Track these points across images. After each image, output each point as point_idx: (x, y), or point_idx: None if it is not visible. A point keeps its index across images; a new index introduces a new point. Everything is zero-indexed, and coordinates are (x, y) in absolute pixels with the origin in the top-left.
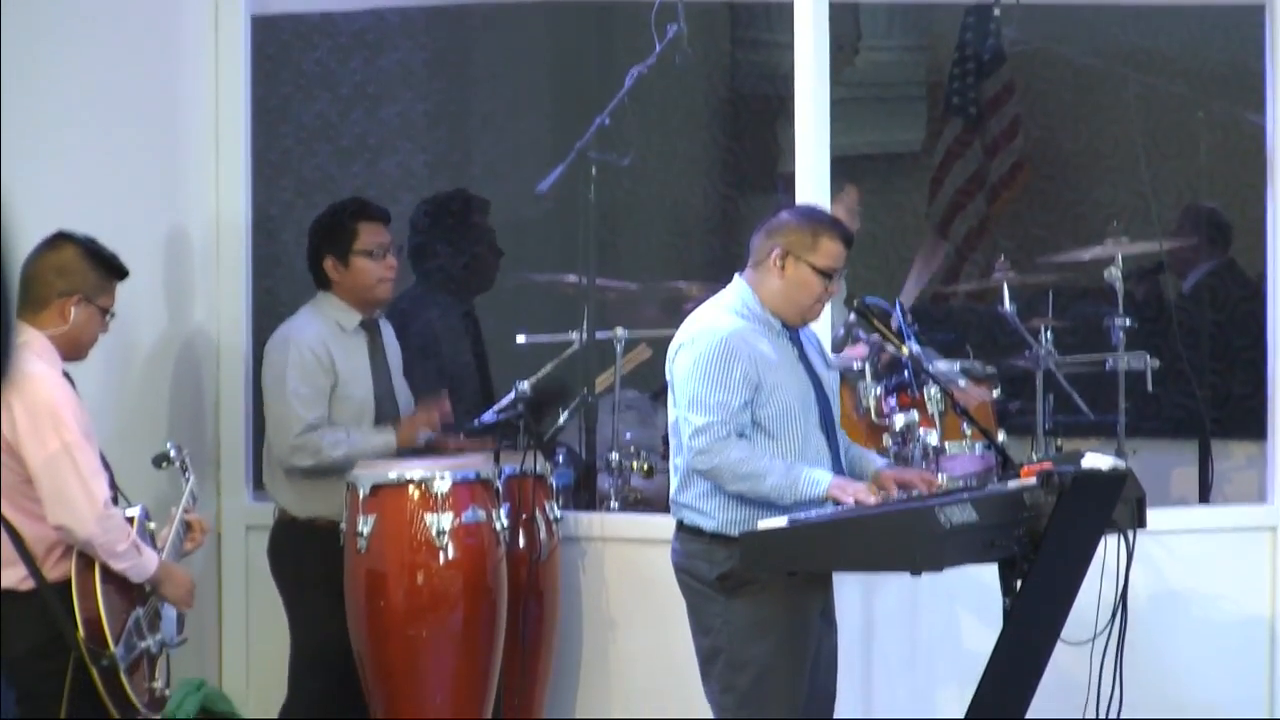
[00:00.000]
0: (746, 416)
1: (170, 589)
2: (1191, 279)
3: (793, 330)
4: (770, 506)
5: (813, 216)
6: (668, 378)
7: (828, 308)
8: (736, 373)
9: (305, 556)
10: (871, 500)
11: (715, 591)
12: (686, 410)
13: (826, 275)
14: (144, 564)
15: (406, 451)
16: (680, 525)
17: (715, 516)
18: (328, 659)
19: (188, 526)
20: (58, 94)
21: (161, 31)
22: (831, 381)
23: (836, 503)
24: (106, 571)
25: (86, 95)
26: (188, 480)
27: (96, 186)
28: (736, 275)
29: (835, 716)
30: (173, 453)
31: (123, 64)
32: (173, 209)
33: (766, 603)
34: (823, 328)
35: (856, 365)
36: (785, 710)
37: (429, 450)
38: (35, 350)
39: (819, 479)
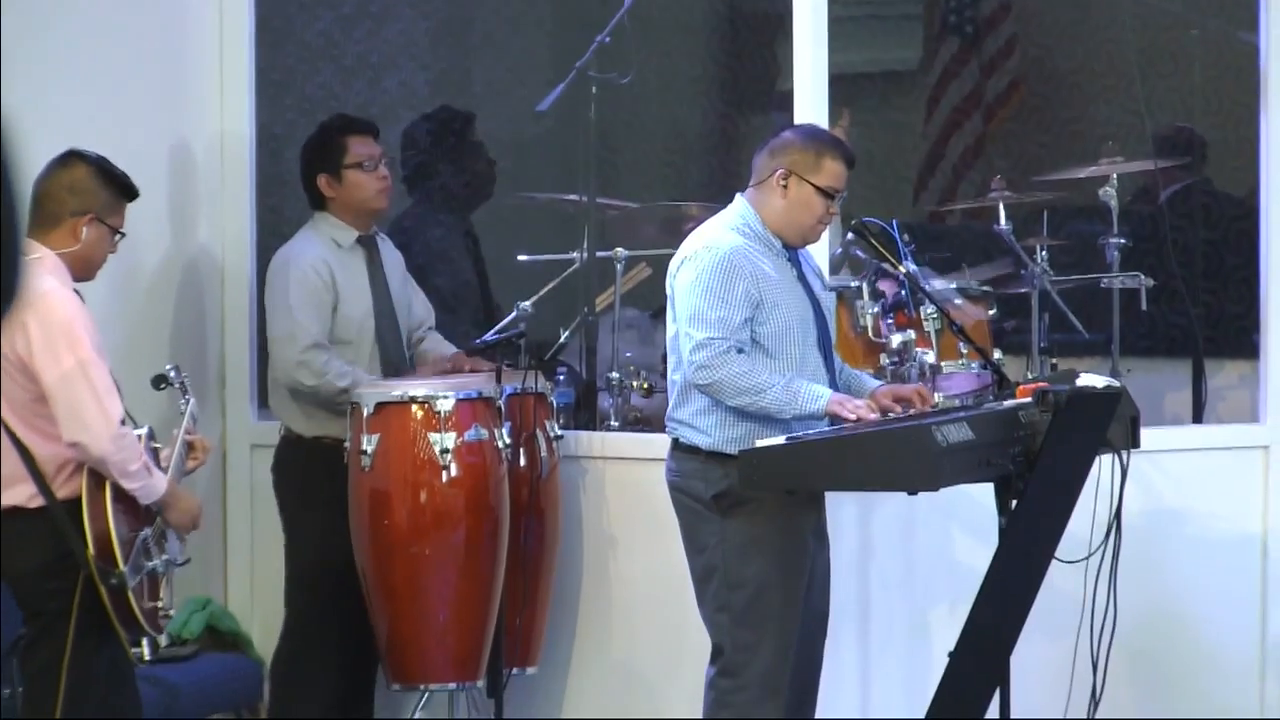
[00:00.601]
0: (746, 333)
1: (175, 514)
2: (1162, 197)
3: (792, 251)
4: (768, 423)
5: (816, 136)
6: (668, 293)
7: (827, 230)
8: (738, 289)
9: (309, 475)
10: (872, 417)
11: (710, 510)
12: (687, 325)
13: (829, 196)
14: (154, 485)
15: (405, 369)
16: (676, 444)
17: (711, 434)
18: (326, 577)
19: (189, 447)
20: (61, 12)
21: None
22: (828, 302)
23: (835, 419)
24: (116, 491)
25: (90, 13)
26: (187, 401)
27: (100, 104)
28: (738, 194)
29: (831, 634)
30: (171, 374)
31: None
32: (177, 127)
33: (762, 522)
34: (821, 250)
35: (854, 283)
36: (780, 629)
37: (434, 370)
38: (48, 268)
39: (819, 393)
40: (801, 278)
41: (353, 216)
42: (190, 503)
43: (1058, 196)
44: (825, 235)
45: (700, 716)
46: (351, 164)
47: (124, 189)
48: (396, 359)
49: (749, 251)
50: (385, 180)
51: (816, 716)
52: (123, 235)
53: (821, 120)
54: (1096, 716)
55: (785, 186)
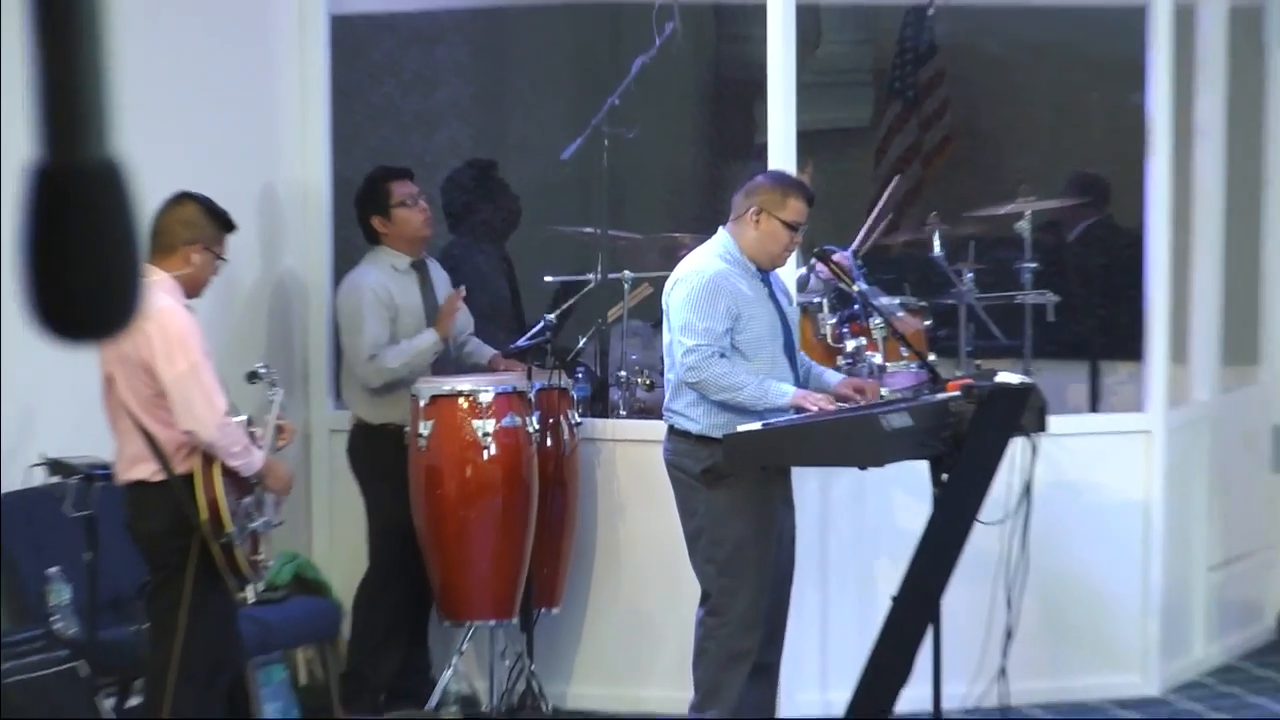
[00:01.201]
0: (727, 341)
1: (272, 482)
2: (1075, 231)
3: (764, 273)
4: (745, 413)
5: (783, 180)
6: (664, 308)
7: (792, 255)
8: (721, 305)
9: (377, 454)
10: (830, 408)
11: (699, 483)
12: (680, 334)
13: (793, 228)
14: (253, 461)
15: (452, 370)
16: (671, 429)
17: (699, 422)
18: (396, 535)
19: (279, 430)
20: (172, 79)
21: (258, 27)
22: (793, 316)
23: (799, 410)
24: (224, 467)
25: (195, 80)
26: (275, 393)
27: (205, 154)
28: (720, 227)
29: (797, 582)
30: (262, 371)
31: (225, 54)
32: (267, 173)
33: (740, 491)
34: (788, 272)
35: (816, 299)
36: (755, 576)
37: (477, 370)
38: (165, 288)
39: (785, 390)
40: (771, 295)
41: (405, 245)
42: (283, 471)
43: (982, 229)
44: (792, 261)
45: (692, 647)
46: (397, 203)
47: (225, 223)
48: (445, 360)
49: (730, 274)
50: (426, 212)
51: (784, 648)
52: (225, 261)
53: (790, 168)
54: (1010, 648)
55: (758, 221)
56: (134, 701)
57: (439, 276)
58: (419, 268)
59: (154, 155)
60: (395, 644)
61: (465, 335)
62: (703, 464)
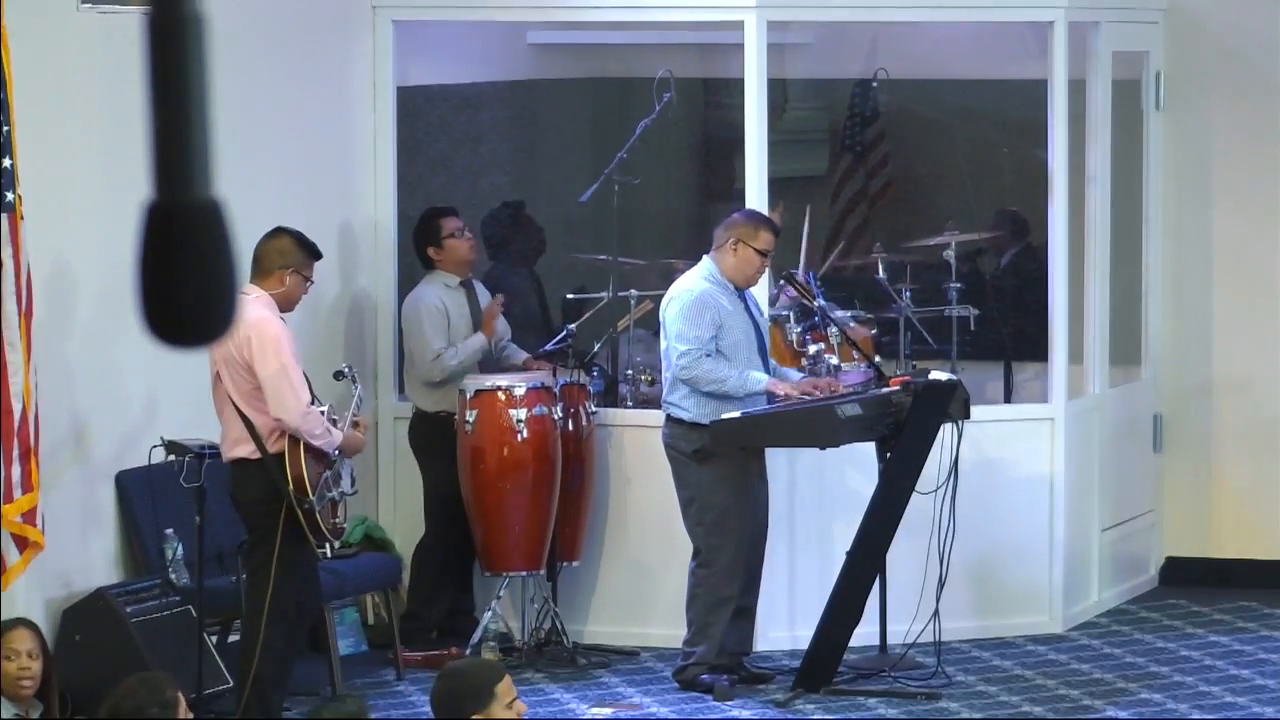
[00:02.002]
0: (713, 345)
1: (351, 448)
2: (1005, 258)
3: (740, 291)
4: (728, 403)
5: (755, 216)
6: (660, 320)
7: (764, 276)
8: (707, 317)
9: (432, 437)
10: (795, 394)
11: (691, 460)
12: (674, 341)
13: (763, 254)
14: (332, 440)
15: (494, 369)
16: (668, 417)
17: (691, 411)
18: (447, 503)
19: (355, 424)
20: (270, 134)
21: (340, 95)
22: (763, 324)
23: (771, 395)
24: (308, 447)
25: (290, 135)
26: (356, 389)
27: (297, 196)
28: (705, 255)
29: (769, 540)
30: (347, 370)
31: (312, 114)
32: (345, 211)
33: (724, 466)
34: (761, 291)
35: (784, 312)
36: (736, 536)
37: (512, 369)
38: (264, 303)
39: (760, 378)
40: (747, 310)
41: (455, 268)
42: (359, 441)
43: (916, 256)
44: (765, 282)
45: (686, 594)
46: (447, 235)
47: (313, 252)
48: (488, 360)
49: (713, 293)
50: (471, 241)
51: (760, 594)
52: (313, 283)
53: (763, 208)
54: (942, 594)
55: (735, 249)
56: (233, 639)
57: (483, 295)
58: (466, 286)
59: (255, 196)
60: (445, 591)
61: (505, 341)
62: (694, 445)
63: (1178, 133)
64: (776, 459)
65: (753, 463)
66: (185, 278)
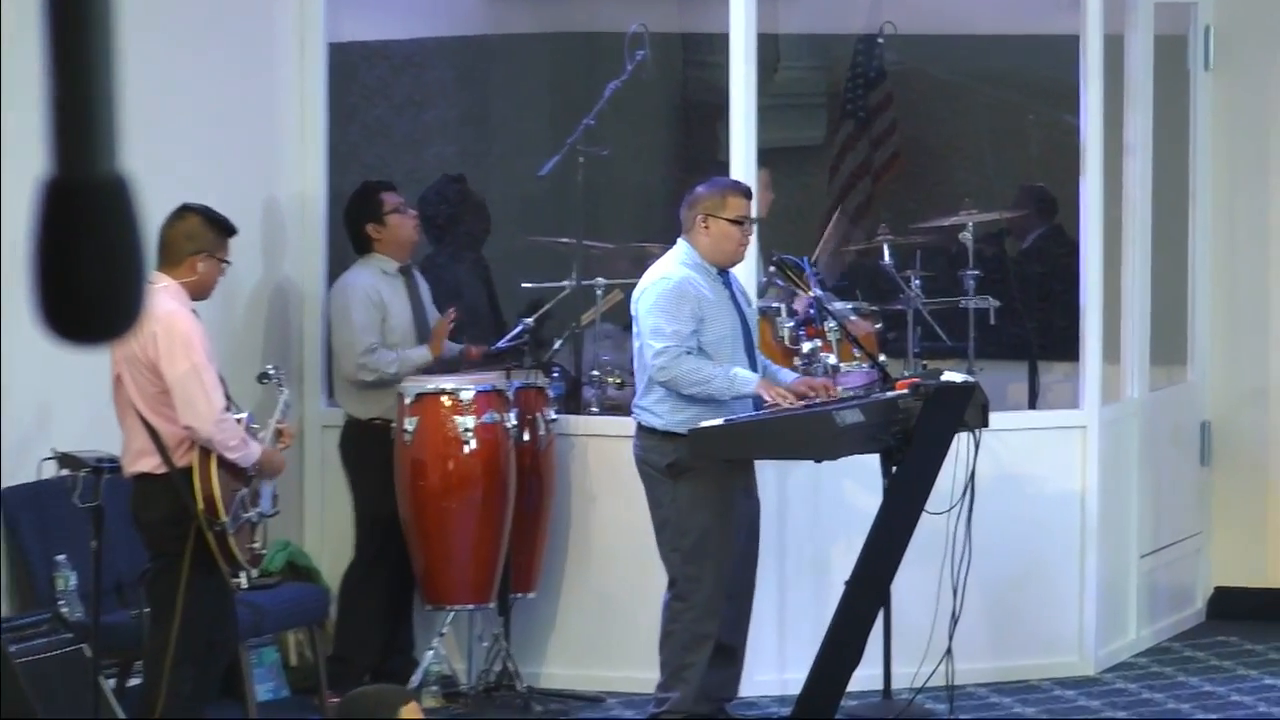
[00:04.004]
0: (694, 341)
1: (269, 469)
2: (1028, 241)
3: (725, 275)
4: (709, 409)
5: (717, 183)
6: (633, 313)
7: (752, 260)
8: (686, 309)
9: (365, 448)
10: (786, 403)
11: (664, 476)
12: (649, 337)
13: (739, 223)
14: (250, 453)
15: (443, 369)
16: (639, 425)
17: (664, 418)
18: (382, 524)
19: (279, 433)
20: (181, 100)
21: (262, 53)
22: (752, 317)
23: (761, 400)
24: (221, 460)
25: (204, 100)
26: (282, 393)
27: (213, 169)
28: (680, 239)
29: (759, 571)
30: (272, 372)
31: (232, 77)
32: (269, 187)
33: (703, 483)
34: (748, 276)
35: (774, 305)
36: (717, 564)
37: (458, 369)
38: (171, 294)
39: (750, 378)
40: (732, 298)
41: (396, 249)
42: (279, 460)
43: (927, 239)
44: (752, 263)
45: (659, 630)
46: (390, 210)
47: (226, 229)
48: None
49: (693, 280)
50: (415, 219)
51: (748, 629)
52: (229, 264)
53: (752, 182)
54: (956, 631)
55: (706, 227)
56: (134, 681)
57: (422, 286)
58: (405, 273)
59: (164, 170)
60: (380, 627)
61: (451, 355)
62: (667, 458)
63: (1229, 97)
64: (765, 473)
65: (737, 478)
66: (87, 264)
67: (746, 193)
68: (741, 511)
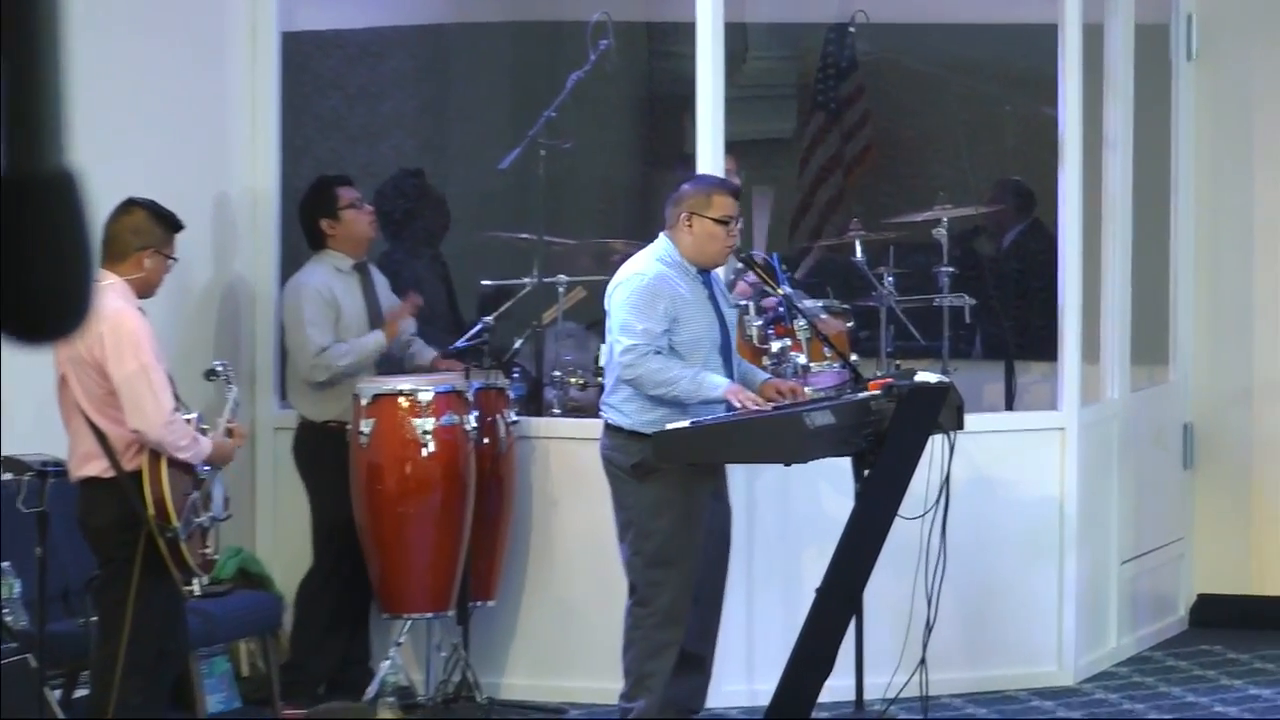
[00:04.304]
0: (665, 341)
1: (219, 459)
2: (1008, 238)
3: (705, 274)
4: (677, 410)
5: (704, 180)
6: (606, 309)
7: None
8: (660, 307)
9: (320, 451)
10: (756, 408)
11: (629, 476)
12: (619, 334)
13: (724, 223)
14: (200, 450)
15: (396, 369)
16: (606, 424)
17: (631, 417)
18: (338, 530)
19: (229, 433)
20: (128, 92)
21: (212, 42)
22: (731, 317)
23: (730, 406)
24: (171, 463)
25: (151, 92)
26: (231, 390)
27: (159, 162)
28: (661, 233)
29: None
30: (219, 368)
31: (180, 68)
32: (219, 181)
33: (668, 486)
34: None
35: (742, 302)
36: (681, 570)
37: (417, 371)
38: (118, 291)
39: (719, 383)
40: (711, 297)
41: (351, 246)
42: (227, 447)
43: (901, 235)
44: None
45: (621, 638)
46: (345, 205)
47: (172, 224)
48: (389, 360)
49: (670, 277)
50: (372, 214)
51: (717, 638)
52: (176, 260)
53: (718, 173)
54: (930, 640)
55: (690, 225)
56: (81, 693)
57: (379, 280)
58: (361, 270)
59: (110, 164)
60: (335, 636)
61: (408, 335)
62: (633, 458)
63: (1212, 88)
64: (734, 477)
65: (706, 481)
66: (33, 261)
67: (734, 192)
68: (712, 515)
